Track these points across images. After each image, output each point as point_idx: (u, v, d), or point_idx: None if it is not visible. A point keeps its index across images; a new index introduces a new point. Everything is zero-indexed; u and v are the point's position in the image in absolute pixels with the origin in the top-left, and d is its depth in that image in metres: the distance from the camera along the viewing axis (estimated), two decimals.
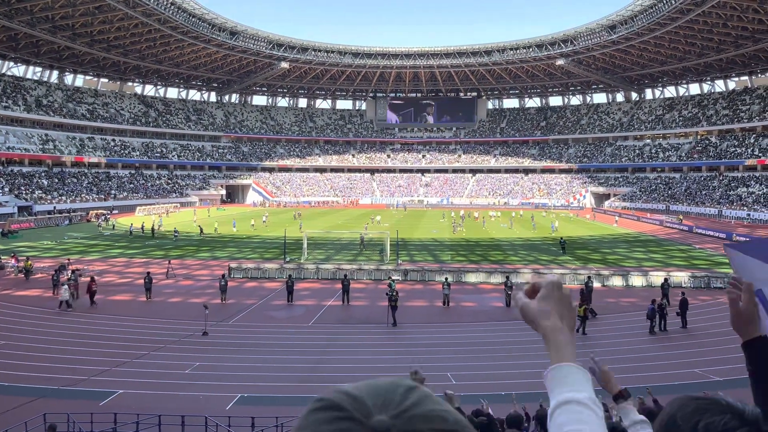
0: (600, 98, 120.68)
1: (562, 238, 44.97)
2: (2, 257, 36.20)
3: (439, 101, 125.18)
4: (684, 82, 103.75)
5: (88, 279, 27.04)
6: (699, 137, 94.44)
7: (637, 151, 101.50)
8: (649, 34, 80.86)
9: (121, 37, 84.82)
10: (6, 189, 68.17)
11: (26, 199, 68.18)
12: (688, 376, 16.69)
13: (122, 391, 15.69)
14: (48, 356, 18.36)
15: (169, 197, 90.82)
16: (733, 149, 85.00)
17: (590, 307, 24.32)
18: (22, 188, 70.74)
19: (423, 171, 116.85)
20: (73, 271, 28.32)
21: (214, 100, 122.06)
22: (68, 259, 35.39)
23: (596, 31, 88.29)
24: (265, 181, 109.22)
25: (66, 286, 25.58)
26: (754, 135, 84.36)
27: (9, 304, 25.75)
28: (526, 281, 1.54)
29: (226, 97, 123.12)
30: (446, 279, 27.57)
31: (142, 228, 54.70)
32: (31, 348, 19.19)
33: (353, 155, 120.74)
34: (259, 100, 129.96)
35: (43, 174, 78.20)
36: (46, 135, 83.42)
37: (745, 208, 68.61)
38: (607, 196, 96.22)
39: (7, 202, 65.17)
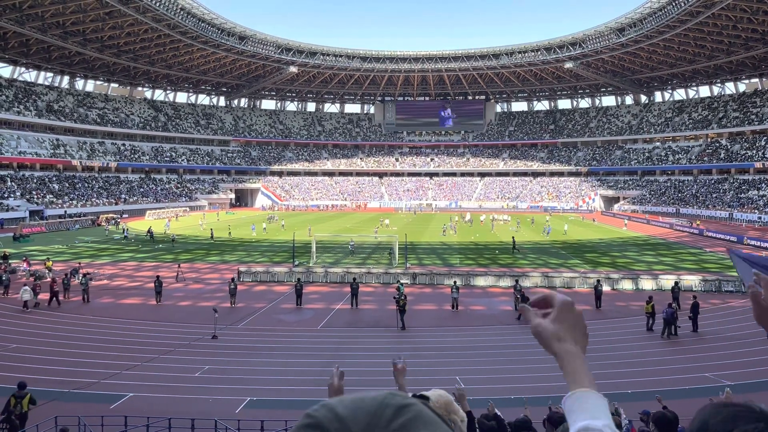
0: (609, 101, 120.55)
1: (513, 237, 48.26)
2: (14, 261, 36.47)
3: (447, 105, 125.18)
4: (694, 84, 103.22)
5: (50, 279, 27.74)
6: (709, 140, 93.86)
7: (647, 154, 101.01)
8: (659, 37, 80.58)
9: (131, 43, 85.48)
10: (18, 193, 68.79)
11: (38, 204, 68.76)
12: (700, 381, 16.56)
13: (132, 394, 15.77)
14: (59, 359, 18.48)
15: (178, 201, 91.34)
16: (744, 152, 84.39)
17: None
18: (34, 192, 71.32)
19: (431, 174, 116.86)
20: (84, 275, 28.54)
21: (223, 104, 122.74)
22: (79, 263, 35.65)
23: (605, 33, 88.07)
24: (274, 185, 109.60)
25: (26, 287, 26.00)
26: (765, 137, 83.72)
27: (20, 307, 25.94)
28: (537, 295, 1.53)
29: (235, 101, 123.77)
30: (455, 282, 27.52)
31: (149, 232, 55.06)
32: (42, 351, 19.33)
33: (361, 159, 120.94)
34: (268, 104, 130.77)
35: (54, 178, 78.83)
36: (57, 140, 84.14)
37: (756, 211, 68.11)
38: (617, 200, 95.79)
39: (18, 206, 65.78)
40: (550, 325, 1.40)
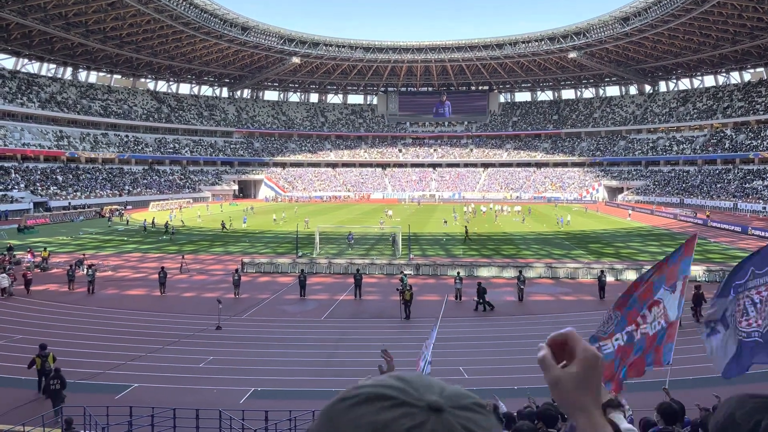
0: (613, 91, 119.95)
1: (466, 227, 49.04)
2: (19, 252, 36.58)
3: (450, 95, 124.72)
4: (699, 74, 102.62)
5: (25, 269, 28.92)
6: (714, 130, 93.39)
7: (651, 144, 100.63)
8: (663, 26, 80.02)
9: (134, 34, 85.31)
10: (22, 185, 68.93)
11: (42, 195, 68.91)
12: (704, 371, 16.54)
13: (137, 384, 15.85)
14: (64, 350, 18.54)
15: (181, 192, 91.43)
16: (749, 142, 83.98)
17: (484, 300, 24.21)
18: (38, 184, 71.49)
19: (434, 165, 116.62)
20: (89, 266, 28.63)
21: (226, 95, 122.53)
22: (84, 254, 35.74)
23: (609, 23, 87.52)
24: (277, 177, 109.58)
25: (5, 275, 26.86)
26: None
27: (25, 298, 26.06)
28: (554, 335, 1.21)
29: (238, 92, 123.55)
30: (458, 273, 27.52)
31: (153, 223, 54.99)
32: (47, 342, 19.37)
33: (364, 150, 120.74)
34: (271, 95, 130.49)
35: (58, 170, 78.95)
36: (61, 131, 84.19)
37: (761, 201, 67.84)
38: (620, 190, 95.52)
39: (23, 198, 65.93)
40: (571, 384, 1.14)
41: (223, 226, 53.74)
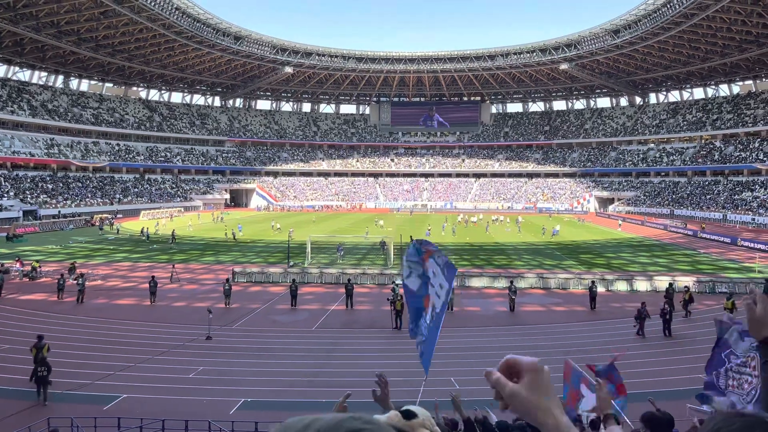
0: (604, 102, 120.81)
1: (411, 237, 48.00)
2: (7, 261, 36.28)
3: (442, 106, 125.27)
4: (688, 86, 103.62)
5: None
6: (703, 141, 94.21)
7: (641, 156, 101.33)
8: (653, 39, 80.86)
9: (126, 42, 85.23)
10: (11, 193, 68.44)
11: (31, 204, 68.43)
12: (694, 382, 16.58)
13: (126, 395, 15.70)
14: (52, 360, 18.34)
15: (173, 201, 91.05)
16: (738, 153, 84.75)
17: None
18: (27, 192, 70.99)
19: (427, 175, 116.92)
20: (81, 275, 28.42)
21: (219, 104, 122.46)
22: (74, 263, 35.47)
23: (600, 35, 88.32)
24: (269, 186, 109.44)
25: None
26: (759, 139, 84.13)
27: (14, 308, 25.82)
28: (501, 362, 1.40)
29: (231, 101, 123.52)
30: None
31: (143, 231, 54.77)
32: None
33: (357, 159, 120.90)
34: (263, 104, 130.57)
35: (48, 178, 78.47)
36: (51, 139, 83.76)
37: (750, 212, 68.43)
38: (611, 201, 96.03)
39: (12, 206, 65.44)
40: (526, 392, 1.28)
41: (234, 236, 53.82)
